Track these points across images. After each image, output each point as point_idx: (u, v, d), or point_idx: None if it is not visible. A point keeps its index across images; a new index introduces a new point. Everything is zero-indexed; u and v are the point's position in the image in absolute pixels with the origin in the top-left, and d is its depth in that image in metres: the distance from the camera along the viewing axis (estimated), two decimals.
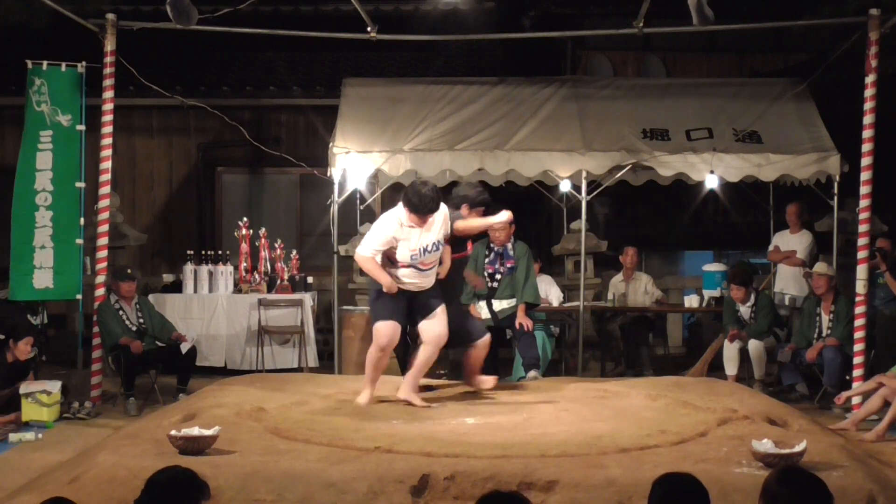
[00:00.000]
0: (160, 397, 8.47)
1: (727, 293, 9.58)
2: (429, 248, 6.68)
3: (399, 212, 6.66)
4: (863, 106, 7.90)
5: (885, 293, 8.70)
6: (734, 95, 9.87)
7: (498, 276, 8.71)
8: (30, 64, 8.59)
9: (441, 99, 9.62)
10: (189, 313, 9.99)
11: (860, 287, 7.99)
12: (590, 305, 10.09)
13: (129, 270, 8.81)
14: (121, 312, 8.52)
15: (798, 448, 4.98)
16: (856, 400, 7.78)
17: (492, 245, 8.70)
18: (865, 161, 7.94)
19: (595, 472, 4.88)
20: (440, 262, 6.89)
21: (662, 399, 6.82)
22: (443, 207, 6.73)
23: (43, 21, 9.80)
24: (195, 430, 5.30)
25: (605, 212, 14.11)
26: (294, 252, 10.65)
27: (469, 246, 7.79)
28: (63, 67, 8.61)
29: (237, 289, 10.23)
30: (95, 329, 8.38)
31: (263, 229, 10.46)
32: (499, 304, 8.71)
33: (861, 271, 8.01)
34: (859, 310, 8.02)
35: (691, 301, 10.09)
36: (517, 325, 8.47)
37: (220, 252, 10.57)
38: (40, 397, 7.47)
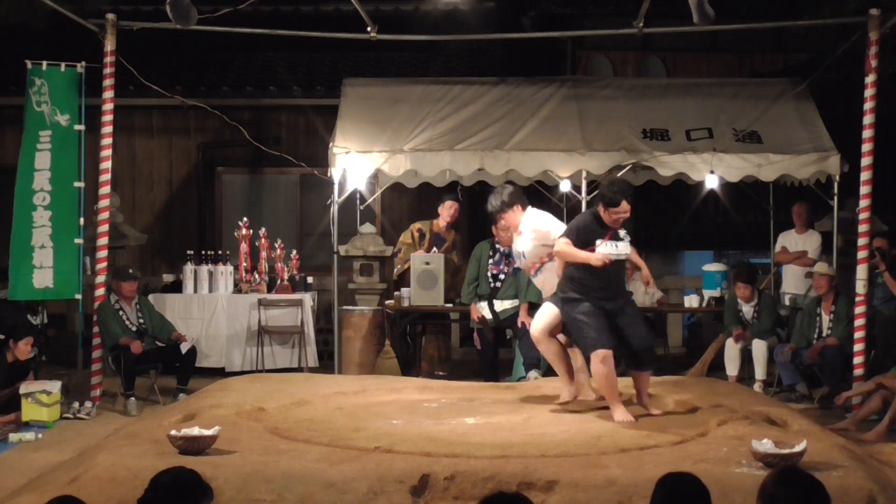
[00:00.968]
0: (160, 397, 8.48)
1: (727, 293, 9.58)
2: None
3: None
4: (863, 106, 7.90)
5: (884, 293, 8.70)
6: (734, 95, 9.87)
7: (501, 277, 8.72)
8: (29, 64, 8.58)
9: (441, 99, 9.62)
10: (189, 313, 9.99)
11: (860, 287, 7.99)
12: None
13: (130, 270, 8.81)
14: (121, 312, 8.52)
15: (798, 448, 4.98)
16: (856, 400, 7.78)
17: (497, 246, 8.70)
18: (865, 161, 7.94)
19: (595, 472, 4.88)
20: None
21: (662, 399, 6.82)
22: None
23: (43, 21, 9.79)
24: (195, 430, 5.30)
25: None
26: (294, 252, 10.65)
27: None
28: (62, 67, 8.61)
29: (237, 289, 10.23)
30: (95, 329, 8.38)
31: (263, 229, 10.46)
32: (501, 305, 8.72)
33: (861, 271, 8.01)
34: (859, 310, 8.02)
35: (691, 301, 10.08)
36: (519, 324, 8.48)
37: (220, 252, 10.57)
38: (40, 397, 7.47)
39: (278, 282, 10.21)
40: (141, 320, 8.61)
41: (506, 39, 13.09)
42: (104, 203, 8.54)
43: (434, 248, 9.57)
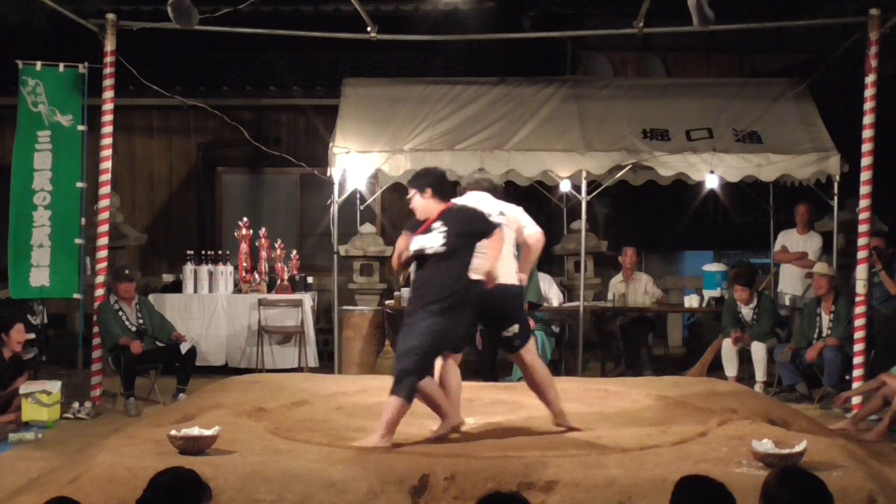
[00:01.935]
0: (160, 397, 8.48)
1: (727, 293, 9.58)
2: None
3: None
4: (863, 106, 7.90)
5: (882, 292, 8.70)
6: (734, 95, 9.87)
7: None
8: (20, 64, 8.57)
9: (441, 99, 9.63)
10: (189, 313, 9.99)
11: (860, 287, 7.99)
12: (590, 305, 10.09)
13: (126, 271, 8.81)
14: (120, 313, 8.52)
15: (798, 448, 4.98)
16: (856, 400, 7.77)
17: None
18: (865, 161, 7.94)
19: (595, 472, 4.88)
20: None
21: (662, 399, 6.83)
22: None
23: (43, 21, 9.79)
24: (195, 430, 5.29)
25: (605, 212, 14.10)
26: (294, 252, 10.65)
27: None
28: (61, 68, 8.60)
29: (237, 289, 10.23)
30: (95, 329, 8.38)
31: (263, 229, 10.46)
32: None
33: (861, 271, 8.01)
34: (859, 310, 8.02)
35: (691, 301, 10.09)
36: None
37: (220, 252, 10.57)
38: (40, 397, 7.46)
39: (278, 282, 10.21)
40: (141, 320, 8.61)
41: (506, 39, 13.08)
42: (104, 203, 8.54)
43: None
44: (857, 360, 8.01)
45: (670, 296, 11.19)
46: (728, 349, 9.06)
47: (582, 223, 9.74)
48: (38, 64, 8.56)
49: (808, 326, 8.72)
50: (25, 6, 9.59)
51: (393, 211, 11.83)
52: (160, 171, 12.33)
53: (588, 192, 9.46)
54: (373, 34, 8.67)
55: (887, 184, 9.69)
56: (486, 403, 6.93)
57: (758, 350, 8.93)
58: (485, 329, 6.42)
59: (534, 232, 6.01)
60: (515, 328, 5.84)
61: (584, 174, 9.22)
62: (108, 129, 8.43)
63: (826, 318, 8.62)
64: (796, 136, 9.31)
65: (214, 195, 12.36)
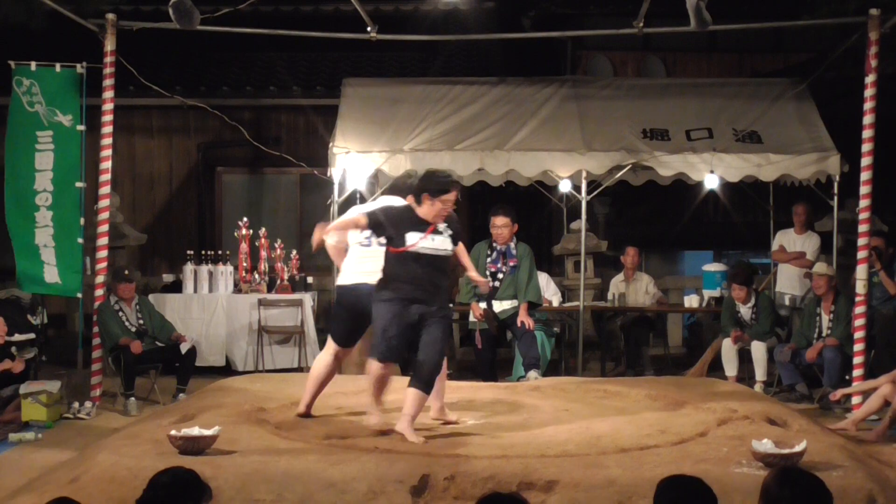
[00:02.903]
0: (160, 397, 8.48)
1: (727, 293, 9.58)
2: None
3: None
4: (863, 106, 7.90)
5: (881, 292, 8.70)
6: (734, 95, 9.87)
7: (500, 276, 8.71)
8: (13, 65, 8.56)
9: (441, 99, 9.62)
10: (189, 313, 9.99)
11: (860, 287, 7.99)
12: (590, 305, 10.09)
13: (126, 272, 8.82)
14: (120, 313, 8.52)
15: (798, 448, 4.98)
16: (856, 400, 7.77)
17: (494, 244, 8.70)
18: (865, 161, 7.93)
19: (595, 472, 4.88)
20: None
21: (662, 399, 6.83)
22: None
23: (43, 21, 9.78)
24: (195, 430, 5.30)
25: (605, 212, 14.11)
26: (294, 252, 10.65)
27: None
28: (58, 68, 8.59)
29: (237, 289, 10.22)
30: (95, 329, 8.38)
31: (263, 229, 10.46)
32: (500, 305, 8.70)
33: (861, 271, 8.01)
34: (859, 310, 8.02)
35: (691, 301, 10.09)
36: (518, 324, 8.47)
37: (220, 252, 10.57)
38: (40, 397, 7.47)
39: (278, 282, 10.21)
40: (141, 321, 8.61)
41: (506, 39, 13.09)
42: (104, 203, 8.54)
43: None
44: (857, 360, 8.00)
45: (670, 296, 11.19)
46: (728, 349, 9.05)
47: (582, 223, 9.74)
48: (33, 64, 8.55)
49: (807, 326, 8.72)
50: (25, 6, 9.58)
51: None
52: (160, 171, 12.33)
53: (588, 192, 9.46)
54: (373, 34, 8.67)
55: (887, 184, 9.69)
56: (486, 403, 6.93)
57: (758, 350, 8.93)
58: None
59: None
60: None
61: (584, 174, 9.22)
62: (108, 129, 8.42)
63: (826, 318, 8.61)
64: (796, 136, 9.30)
65: (214, 195, 12.36)
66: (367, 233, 6.10)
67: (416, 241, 5.73)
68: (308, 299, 10.10)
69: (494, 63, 13.00)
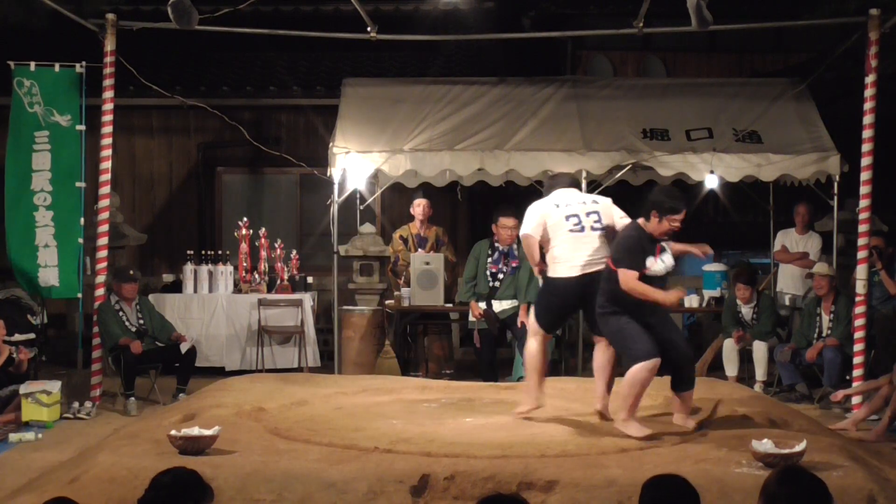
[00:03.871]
0: (160, 397, 8.48)
1: (727, 293, 9.58)
2: None
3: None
4: (863, 106, 7.90)
5: (882, 292, 8.70)
6: (734, 95, 9.87)
7: (500, 276, 8.72)
8: (13, 65, 8.56)
9: (441, 99, 9.63)
10: (189, 313, 9.99)
11: (860, 287, 7.99)
12: None
13: (130, 272, 8.82)
14: (121, 313, 8.52)
15: (798, 448, 4.98)
16: (856, 400, 7.78)
17: (496, 245, 8.71)
18: (865, 161, 7.94)
19: (595, 472, 4.88)
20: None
21: (662, 399, 6.82)
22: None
23: (42, 21, 9.79)
24: (195, 430, 5.30)
25: None
26: (294, 252, 10.65)
27: None
28: (57, 68, 8.59)
29: (237, 289, 10.22)
30: (95, 329, 8.38)
31: (263, 229, 10.46)
32: (499, 305, 8.71)
33: (861, 271, 8.01)
34: (859, 310, 8.02)
35: (691, 301, 10.07)
36: (519, 324, 8.47)
37: (220, 252, 10.57)
38: (40, 397, 7.47)
39: (278, 282, 10.21)
40: (141, 321, 8.61)
41: (506, 39, 13.09)
42: (104, 203, 8.54)
43: (419, 250, 9.58)
44: (857, 360, 8.01)
45: None
46: (729, 349, 9.05)
47: None
48: (32, 64, 8.56)
49: (808, 326, 8.72)
50: (25, 6, 9.58)
51: (393, 211, 11.84)
52: (160, 171, 12.33)
53: (588, 192, 9.44)
54: (373, 34, 8.67)
55: (887, 184, 9.69)
56: (485, 403, 6.94)
57: (759, 349, 8.93)
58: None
59: (627, 222, 6.15)
60: None
61: (584, 174, 9.21)
62: (107, 129, 8.43)
63: (826, 318, 8.62)
64: (796, 136, 9.30)
65: (214, 195, 12.36)
66: (576, 219, 6.10)
67: (650, 265, 5.77)
68: (308, 299, 10.10)
69: (494, 63, 12.99)
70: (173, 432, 5.26)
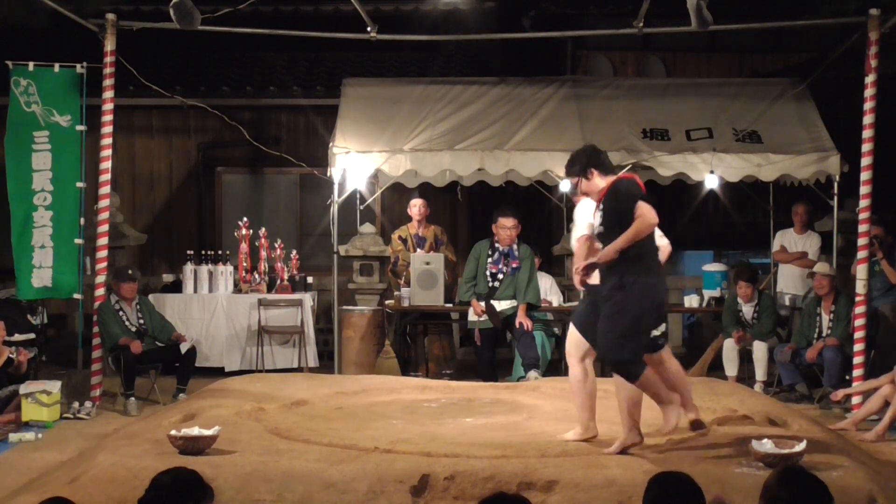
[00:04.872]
0: (160, 397, 8.48)
1: (727, 293, 9.58)
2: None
3: None
4: (863, 106, 7.90)
5: (882, 283, 8.68)
6: (734, 95, 9.87)
7: (500, 276, 8.72)
8: (10, 65, 8.56)
9: (441, 99, 9.63)
10: (189, 313, 9.98)
11: (860, 287, 7.99)
12: None
13: (129, 271, 8.81)
14: (121, 313, 8.52)
15: (798, 448, 4.98)
16: (856, 400, 7.77)
17: (496, 245, 8.71)
18: (865, 161, 7.94)
19: (595, 472, 4.88)
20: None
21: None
22: None
23: (42, 21, 9.79)
24: (195, 430, 5.30)
25: None
26: (294, 252, 10.65)
27: None
28: (56, 68, 8.59)
29: (237, 289, 10.22)
30: (95, 329, 8.38)
31: (263, 229, 10.46)
32: (499, 305, 8.71)
33: (861, 271, 8.00)
34: (859, 310, 8.02)
35: (691, 301, 10.07)
36: (518, 325, 8.47)
37: (220, 252, 10.57)
38: (40, 397, 7.47)
39: (278, 282, 10.21)
40: (141, 320, 8.61)
41: (506, 39, 13.09)
42: (104, 203, 8.54)
43: (418, 250, 9.58)
44: (857, 360, 8.01)
45: (670, 296, 11.18)
46: (729, 349, 9.05)
47: None
48: (31, 64, 8.55)
49: (808, 326, 8.71)
50: (25, 6, 9.58)
51: (393, 211, 11.84)
52: (160, 171, 12.33)
53: None
54: (373, 34, 8.67)
55: (887, 184, 9.69)
56: (485, 403, 6.94)
57: (759, 349, 8.92)
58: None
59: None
60: (664, 327, 5.71)
61: None
62: (107, 129, 8.42)
63: (826, 318, 8.61)
64: (796, 136, 9.31)
65: (214, 195, 12.36)
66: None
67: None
68: (308, 299, 10.10)
69: (494, 63, 12.99)
70: (173, 432, 5.26)
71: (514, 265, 8.63)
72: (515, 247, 8.62)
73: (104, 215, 8.56)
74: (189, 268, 10.18)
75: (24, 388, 7.51)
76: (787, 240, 9.72)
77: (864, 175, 7.96)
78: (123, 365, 8.21)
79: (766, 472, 4.30)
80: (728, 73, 14.36)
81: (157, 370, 8.72)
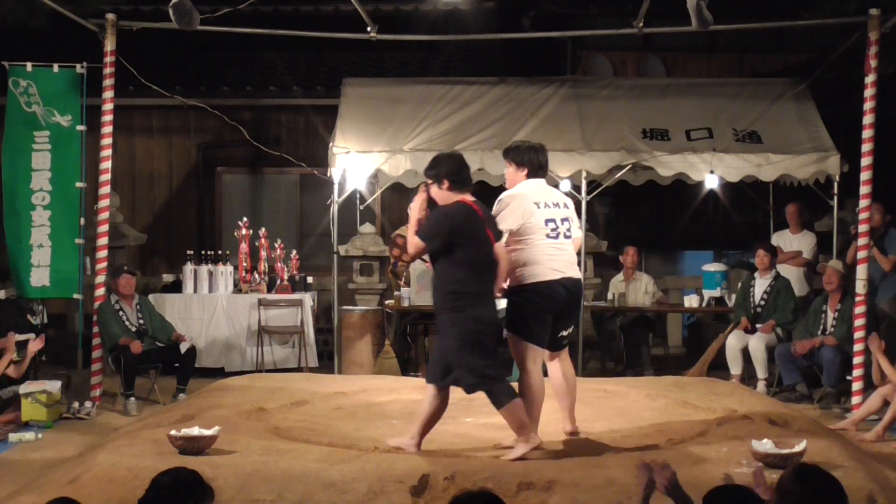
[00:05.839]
0: (160, 397, 8.48)
1: (727, 293, 9.58)
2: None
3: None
4: (863, 106, 7.90)
5: (874, 270, 8.62)
6: (734, 95, 9.88)
7: None
8: (7, 66, 8.56)
9: (441, 99, 9.63)
10: (189, 313, 9.98)
11: (860, 287, 7.99)
12: (590, 305, 10.08)
13: (126, 267, 8.83)
14: (121, 313, 8.52)
15: (798, 448, 4.98)
16: (855, 400, 7.77)
17: None
18: (865, 161, 7.93)
19: (595, 472, 4.88)
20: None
21: (662, 399, 6.83)
22: None
23: (42, 21, 9.78)
24: (195, 430, 5.30)
25: (605, 212, 14.10)
26: (294, 252, 10.65)
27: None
28: (55, 68, 8.59)
29: (237, 289, 10.22)
30: (95, 329, 8.38)
31: (263, 229, 10.46)
32: (500, 304, 8.69)
33: (861, 271, 8.00)
34: (859, 310, 8.02)
35: (691, 301, 10.08)
36: None
37: (220, 252, 10.57)
38: (40, 397, 7.46)
39: (278, 282, 10.21)
40: (141, 320, 8.61)
41: (506, 39, 13.09)
42: (104, 203, 8.53)
43: None
44: (857, 360, 8.00)
45: (670, 296, 11.19)
46: (732, 348, 9.03)
47: (582, 223, 9.73)
48: (29, 65, 8.55)
49: (812, 323, 8.69)
50: (25, 6, 9.57)
51: (393, 211, 11.84)
52: (160, 171, 12.33)
53: (588, 192, 9.45)
54: (373, 34, 8.67)
55: (887, 184, 9.69)
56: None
57: (758, 349, 8.91)
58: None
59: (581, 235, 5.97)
60: (572, 328, 5.78)
61: (584, 174, 9.22)
62: (107, 129, 8.42)
63: (831, 316, 8.59)
64: (796, 136, 9.31)
65: (214, 195, 12.37)
66: (553, 224, 5.63)
67: None
68: (308, 299, 10.10)
69: (494, 63, 12.99)
70: (173, 432, 5.26)
71: None
72: None
73: (104, 215, 8.55)
74: (189, 268, 10.18)
75: (24, 388, 7.51)
76: (783, 240, 9.74)
77: (864, 175, 7.95)
78: (123, 365, 8.21)
79: (767, 472, 4.30)
80: (728, 73, 14.38)
81: (157, 370, 8.72)
